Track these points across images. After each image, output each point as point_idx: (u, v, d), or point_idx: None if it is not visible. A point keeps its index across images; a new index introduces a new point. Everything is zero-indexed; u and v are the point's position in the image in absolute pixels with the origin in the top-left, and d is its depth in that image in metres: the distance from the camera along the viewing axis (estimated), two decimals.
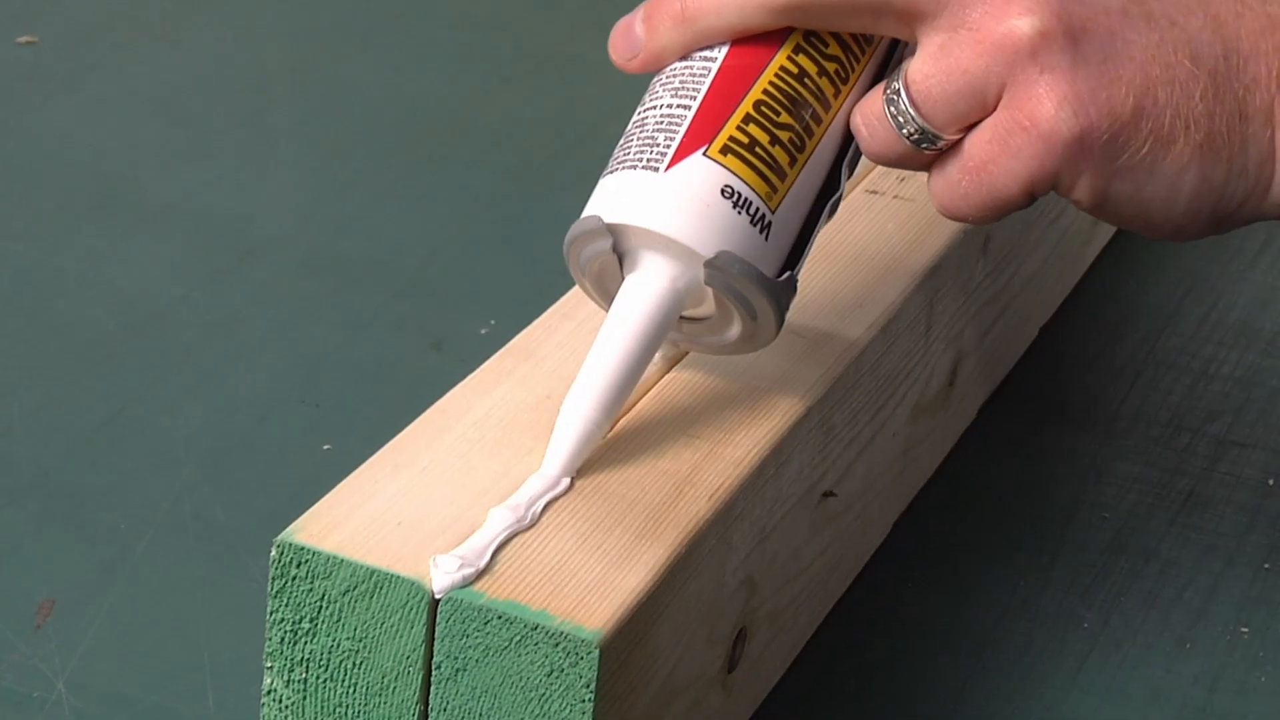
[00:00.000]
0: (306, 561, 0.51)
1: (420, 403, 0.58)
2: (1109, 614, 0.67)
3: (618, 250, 0.57)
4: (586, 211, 0.57)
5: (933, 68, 0.56)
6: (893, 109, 0.57)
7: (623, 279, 0.57)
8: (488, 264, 0.86)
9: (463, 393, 0.58)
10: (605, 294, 0.58)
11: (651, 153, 0.56)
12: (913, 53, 0.57)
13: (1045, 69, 0.55)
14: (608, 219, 0.56)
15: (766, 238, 0.56)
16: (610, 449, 0.56)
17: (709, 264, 0.55)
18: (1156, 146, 0.56)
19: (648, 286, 0.56)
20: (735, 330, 0.58)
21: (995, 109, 0.56)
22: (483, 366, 0.60)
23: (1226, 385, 0.79)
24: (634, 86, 0.58)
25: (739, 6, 0.56)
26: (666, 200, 0.55)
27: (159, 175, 0.92)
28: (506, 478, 0.54)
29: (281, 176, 0.93)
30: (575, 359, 0.59)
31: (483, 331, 0.80)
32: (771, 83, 0.57)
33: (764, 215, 0.56)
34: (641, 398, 0.58)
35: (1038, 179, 0.56)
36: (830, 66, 0.57)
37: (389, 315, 0.82)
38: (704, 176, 0.55)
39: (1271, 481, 0.73)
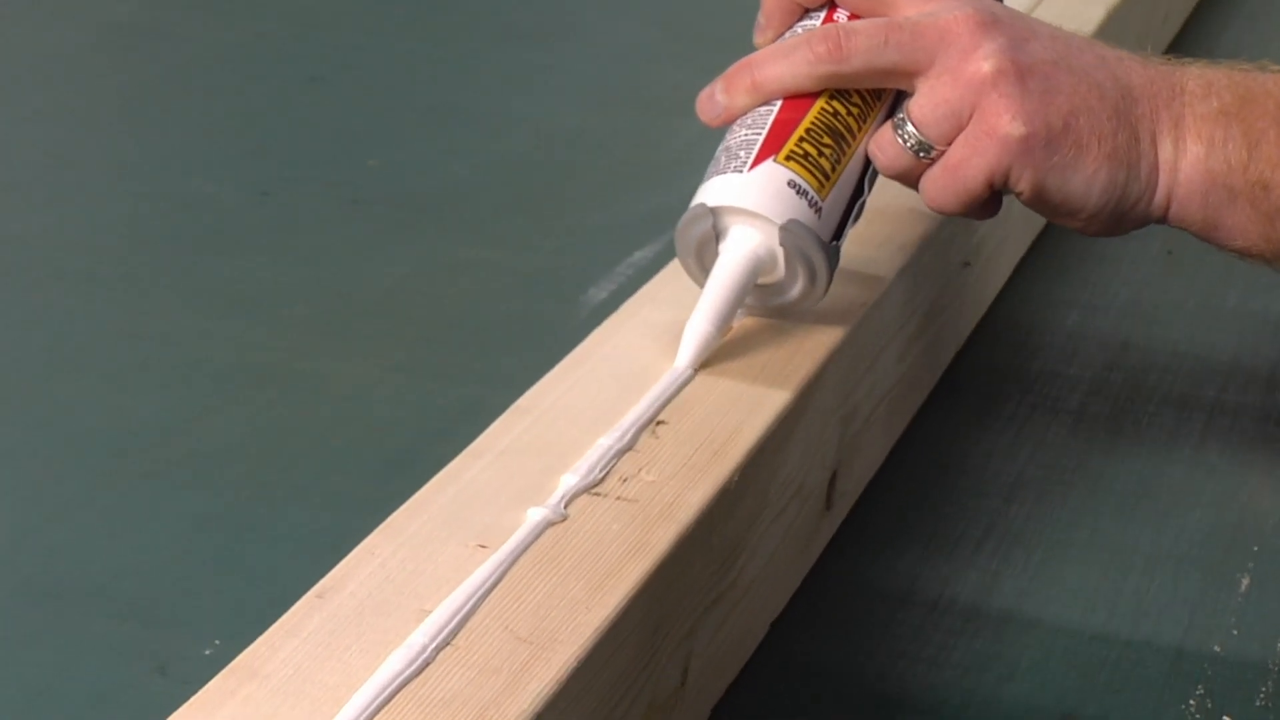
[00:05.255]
0: None
1: None
2: None
3: (716, 229, 0.83)
4: (692, 204, 0.84)
5: (926, 100, 0.84)
6: (900, 132, 0.85)
7: (718, 252, 0.83)
8: (210, 584, 0.87)
9: (185, 716, 0.60)
10: (703, 267, 0.84)
11: (736, 163, 0.84)
12: (909, 97, 0.85)
13: (1002, 95, 0.83)
14: (710, 204, 0.83)
15: (820, 216, 0.83)
16: None
17: (783, 227, 0.82)
18: (1077, 151, 0.84)
19: (739, 247, 0.83)
20: (796, 289, 0.85)
21: (968, 125, 0.83)
22: (206, 687, 0.61)
23: (957, 672, 0.83)
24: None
25: (793, 77, 0.84)
26: (751, 189, 0.83)
27: None
28: None
29: None
30: (300, 676, 0.62)
31: (207, 652, 0.81)
32: (816, 118, 0.84)
33: (817, 202, 0.83)
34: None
35: (995, 171, 0.84)
36: (854, 109, 0.85)
37: (110, 641, 0.83)
38: (776, 174, 0.83)
39: None
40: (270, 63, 1.62)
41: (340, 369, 1.07)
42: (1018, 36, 0.84)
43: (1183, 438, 1.02)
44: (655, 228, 1.24)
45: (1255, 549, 0.92)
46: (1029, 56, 0.84)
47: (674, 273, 0.91)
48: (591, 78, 1.60)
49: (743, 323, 0.86)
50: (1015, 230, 1.19)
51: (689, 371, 0.81)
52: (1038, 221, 1.25)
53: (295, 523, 0.92)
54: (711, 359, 0.83)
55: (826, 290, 0.85)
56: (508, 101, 1.53)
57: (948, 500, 0.95)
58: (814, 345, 0.86)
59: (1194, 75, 0.87)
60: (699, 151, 1.35)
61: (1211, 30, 1.63)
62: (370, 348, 1.10)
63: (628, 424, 0.77)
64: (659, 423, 0.78)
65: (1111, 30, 1.28)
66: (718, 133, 0.87)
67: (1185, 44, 1.57)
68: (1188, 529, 0.93)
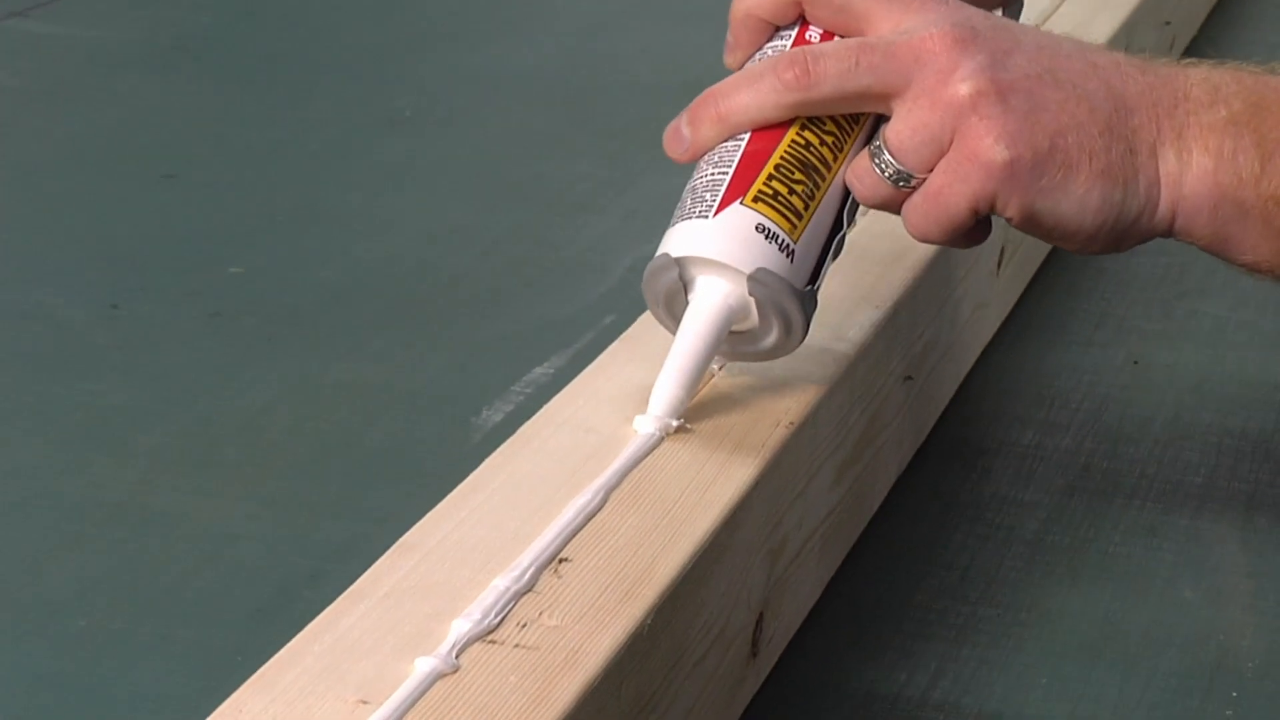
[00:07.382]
0: None
1: None
2: None
3: (683, 279, 0.88)
4: (657, 253, 0.88)
5: (903, 125, 0.88)
6: (878, 161, 0.89)
7: (687, 302, 0.88)
8: None
9: None
10: (673, 317, 0.90)
11: (701, 207, 0.88)
12: (887, 122, 0.89)
13: (983, 117, 0.87)
14: (674, 254, 0.88)
15: (792, 261, 0.88)
16: None
17: (751, 277, 0.87)
18: (1067, 171, 0.88)
19: (708, 299, 0.88)
20: (771, 338, 0.90)
21: (949, 150, 0.87)
22: None
23: None
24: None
25: (759, 107, 0.88)
26: (717, 236, 0.87)
27: None
28: None
29: None
30: None
31: None
32: (786, 152, 0.89)
33: (789, 245, 0.88)
34: None
35: (980, 197, 0.88)
36: (829, 138, 0.90)
37: None
38: (743, 218, 0.87)
39: None
40: (118, 158, 1.62)
41: (200, 504, 1.07)
42: (999, 51, 0.88)
43: (1152, 571, 1.03)
44: (556, 339, 1.25)
45: (1234, 694, 0.93)
46: (1010, 73, 0.88)
47: (578, 388, 0.92)
48: (481, 170, 1.61)
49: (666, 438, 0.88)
50: (962, 339, 1.21)
51: (600, 495, 0.82)
52: (987, 330, 1.27)
53: (150, 680, 0.92)
54: (621, 483, 0.84)
55: (804, 337, 0.90)
56: (386, 198, 1.54)
57: (889, 646, 0.96)
58: (737, 469, 0.87)
59: (1198, 80, 0.91)
60: (603, 252, 1.38)
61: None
62: (233, 480, 1.10)
63: (526, 562, 0.78)
64: (562, 560, 0.79)
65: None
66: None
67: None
68: (1159, 673, 0.94)
